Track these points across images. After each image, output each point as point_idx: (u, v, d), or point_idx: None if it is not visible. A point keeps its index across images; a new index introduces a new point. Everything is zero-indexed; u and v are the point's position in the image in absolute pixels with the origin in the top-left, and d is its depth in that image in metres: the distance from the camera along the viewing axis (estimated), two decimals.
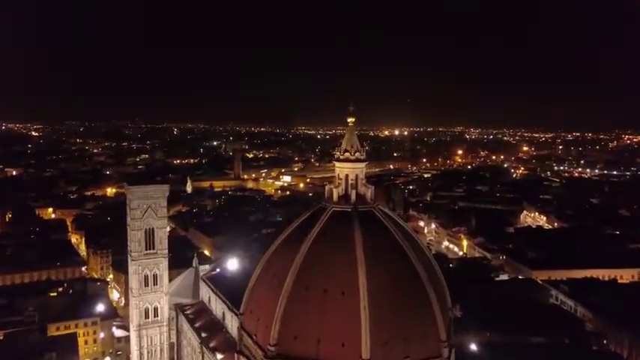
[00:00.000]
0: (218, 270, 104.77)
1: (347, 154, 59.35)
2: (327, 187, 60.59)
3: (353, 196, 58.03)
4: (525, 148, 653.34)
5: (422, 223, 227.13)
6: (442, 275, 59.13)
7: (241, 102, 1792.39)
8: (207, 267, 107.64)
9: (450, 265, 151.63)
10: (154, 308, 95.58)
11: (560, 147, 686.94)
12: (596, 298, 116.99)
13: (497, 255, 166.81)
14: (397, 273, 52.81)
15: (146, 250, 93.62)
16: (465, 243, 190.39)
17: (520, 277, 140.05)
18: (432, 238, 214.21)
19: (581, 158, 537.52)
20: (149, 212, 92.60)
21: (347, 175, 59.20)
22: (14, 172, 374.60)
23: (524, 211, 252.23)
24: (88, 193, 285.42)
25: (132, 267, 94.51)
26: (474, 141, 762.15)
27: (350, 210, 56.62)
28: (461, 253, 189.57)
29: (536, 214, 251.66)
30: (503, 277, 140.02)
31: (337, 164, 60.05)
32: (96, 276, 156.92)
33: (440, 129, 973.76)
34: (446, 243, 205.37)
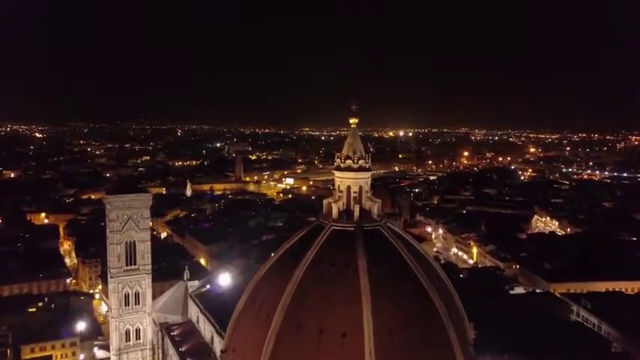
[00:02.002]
0: (208, 286, 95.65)
1: (349, 161, 49.78)
2: (324, 202, 51.02)
3: (356, 212, 48.53)
4: (532, 150, 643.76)
5: (429, 229, 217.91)
6: (461, 304, 49.81)
7: (246, 103, 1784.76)
8: (196, 283, 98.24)
9: (461, 276, 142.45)
10: (136, 330, 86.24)
11: (568, 148, 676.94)
12: (622, 314, 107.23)
13: (511, 264, 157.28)
14: (410, 308, 43.39)
15: (127, 265, 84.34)
16: (475, 250, 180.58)
17: (537, 290, 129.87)
18: (439, 244, 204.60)
19: (589, 160, 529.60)
20: (130, 224, 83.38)
21: (349, 187, 49.62)
22: (12, 175, 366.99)
23: (535, 216, 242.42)
24: (85, 197, 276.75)
25: (111, 285, 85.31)
26: (479, 142, 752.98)
27: (352, 229, 47.21)
28: (471, 262, 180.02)
29: (548, 218, 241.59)
30: (519, 289, 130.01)
31: (337, 174, 50.47)
32: (85, 287, 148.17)
33: (444, 130, 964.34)
34: (454, 250, 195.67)
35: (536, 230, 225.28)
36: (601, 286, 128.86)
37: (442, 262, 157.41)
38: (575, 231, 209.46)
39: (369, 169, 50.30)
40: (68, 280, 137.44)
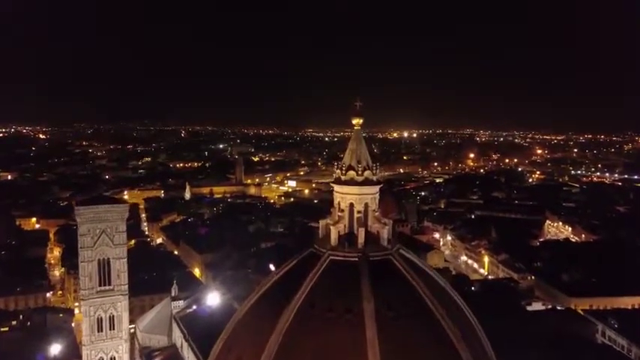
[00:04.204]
0: (195, 307, 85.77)
1: (351, 172, 39.64)
2: (321, 223, 40.82)
3: (361, 238, 38.39)
4: (539, 151, 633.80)
5: (437, 235, 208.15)
6: (492, 354, 39.91)
7: (250, 104, 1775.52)
8: (181, 303, 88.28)
9: (473, 289, 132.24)
10: (111, 358, 76.07)
11: (575, 150, 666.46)
12: None
13: (525, 275, 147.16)
14: None
15: (100, 286, 74.00)
16: (486, 259, 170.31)
17: (558, 307, 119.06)
18: (448, 252, 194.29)
19: (597, 162, 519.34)
20: (103, 239, 73.00)
21: (351, 205, 39.51)
22: (9, 177, 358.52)
23: (547, 221, 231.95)
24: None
25: (82, 308, 75.16)
26: (484, 143, 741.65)
27: (356, 260, 37.24)
28: (482, 271, 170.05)
29: (560, 223, 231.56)
30: (537, 305, 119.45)
31: (337, 188, 40.29)
32: (70, 300, 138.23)
33: (449, 131, 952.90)
34: (464, 258, 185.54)
35: (548, 236, 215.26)
36: (627, 302, 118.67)
37: (453, 272, 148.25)
38: (590, 237, 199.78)
39: (377, 183, 40.04)
40: (48, 294, 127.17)
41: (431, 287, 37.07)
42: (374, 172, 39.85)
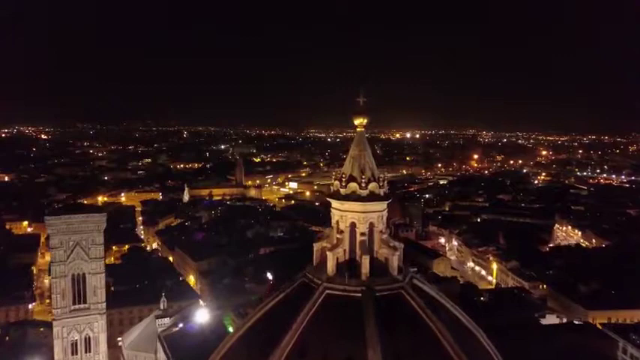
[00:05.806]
0: (181, 326, 78.46)
1: (353, 184, 32.04)
2: (315, 247, 33.30)
3: (365, 267, 30.81)
4: (544, 152, 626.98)
5: (442, 240, 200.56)
6: None
7: (252, 104, 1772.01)
8: (167, 321, 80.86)
9: (482, 299, 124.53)
10: None
11: (580, 151, 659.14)
12: None
13: (537, 284, 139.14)
14: None
15: (74, 304, 66.82)
16: (494, 266, 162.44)
17: (575, 320, 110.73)
18: (453, 257, 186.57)
19: (603, 163, 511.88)
20: (77, 252, 65.85)
21: (353, 225, 31.98)
22: (6, 178, 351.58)
23: (555, 225, 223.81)
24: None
25: (54, 329, 67.89)
26: (487, 144, 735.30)
27: (359, 295, 29.80)
28: (490, 278, 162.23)
29: (569, 228, 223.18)
30: (551, 317, 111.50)
31: (335, 204, 32.53)
32: None
33: (452, 132, 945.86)
34: (471, 264, 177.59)
35: (557, 242, 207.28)
36: None
37: (461, 281, 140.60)
38: (601, 242, 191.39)
39: (385, 197, 32.45)
40: (31, 306, 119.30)
41: (451, 328, 29.66)
42: (381, 184, 32.27)
